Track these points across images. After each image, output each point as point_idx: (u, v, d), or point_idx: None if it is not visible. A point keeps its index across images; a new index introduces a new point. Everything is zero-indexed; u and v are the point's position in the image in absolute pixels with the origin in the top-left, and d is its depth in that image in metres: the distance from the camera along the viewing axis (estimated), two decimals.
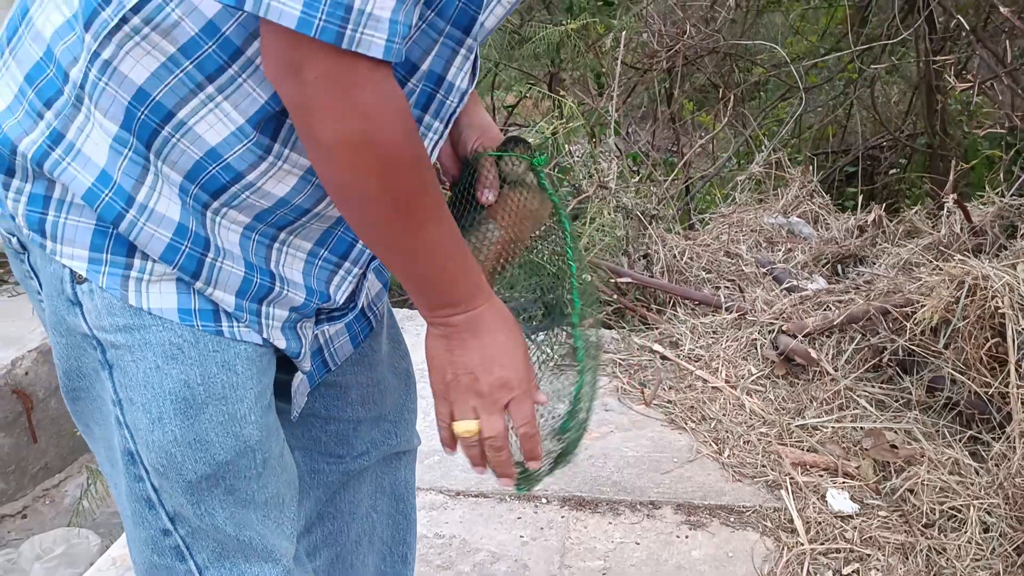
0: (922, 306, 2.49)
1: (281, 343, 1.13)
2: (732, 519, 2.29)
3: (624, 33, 5.16)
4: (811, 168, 4.35)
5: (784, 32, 6.29)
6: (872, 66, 4.71)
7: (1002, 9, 2.48)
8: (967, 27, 3.31)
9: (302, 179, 1.04)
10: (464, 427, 1.09)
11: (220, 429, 1.08)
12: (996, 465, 2.20)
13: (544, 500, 2.37)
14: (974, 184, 4.37)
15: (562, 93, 3.92)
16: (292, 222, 1.09)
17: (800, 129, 6.13)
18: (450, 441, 1.14)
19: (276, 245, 1.10)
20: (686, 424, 2.66)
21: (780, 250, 3.82)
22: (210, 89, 0.96)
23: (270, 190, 1.04)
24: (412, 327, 3.38)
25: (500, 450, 1.11)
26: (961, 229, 3.05)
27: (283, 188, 1.04)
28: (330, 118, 0.90)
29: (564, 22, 4.20)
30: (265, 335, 1.11)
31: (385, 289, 1.38)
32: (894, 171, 6.05)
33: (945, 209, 3.08)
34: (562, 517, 2.31)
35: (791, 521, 2.23)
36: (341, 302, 1.19)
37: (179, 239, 1.02)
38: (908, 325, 2.51)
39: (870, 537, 2.16)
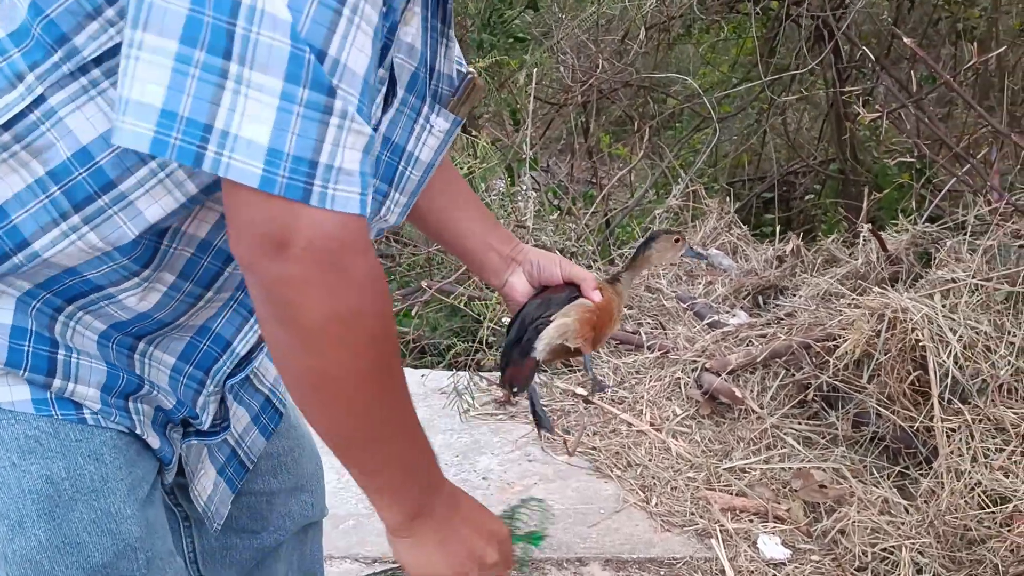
0: (844, 340, 2.46)
1: (154, 442, 1.05)
2: (663, 572, 2.20)
3: (537, 68, 5.13)
4: (728, 199, 4.34)
5: (696, 63, 6.34)
6: (781, 96, 4.74)
7: (906, 40, 2.47)
8: (871, 57, 3.33)
9: (166, 295, 0.98)
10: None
11: (93, 528, 0.98)
12: (925, 502, 2.15)
13: None
14: (886, 209, 4.42)
15: (474, 133, 3.84)
16: (151, 332, 1.01)
17: (716, 158, 6.18)
18: None
19: (136, 356, 1.03)
20: (612, 471, 2.57)
21: (700, 283, 3.78)
22: (75, 219, 0.89)
23: (131, 305, 0.97)
24: None
25: None
26: (877, 258, 3.04)
27: (145, 304, 0.97)
28: (324, 294, 0.80)
29: (473, 60, 4.13)
30: (137, 430, 1.02)
31: None
32: (810, 196, 6.12)
33: (861, 238, 3.07)
34: None
35: (723, 572, 2.15)
36: (207, 423, 1.11)
37: (18, 341, 0.94)
38: (831, 360, 2.47)
39: None
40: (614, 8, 5.10)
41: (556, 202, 4.82)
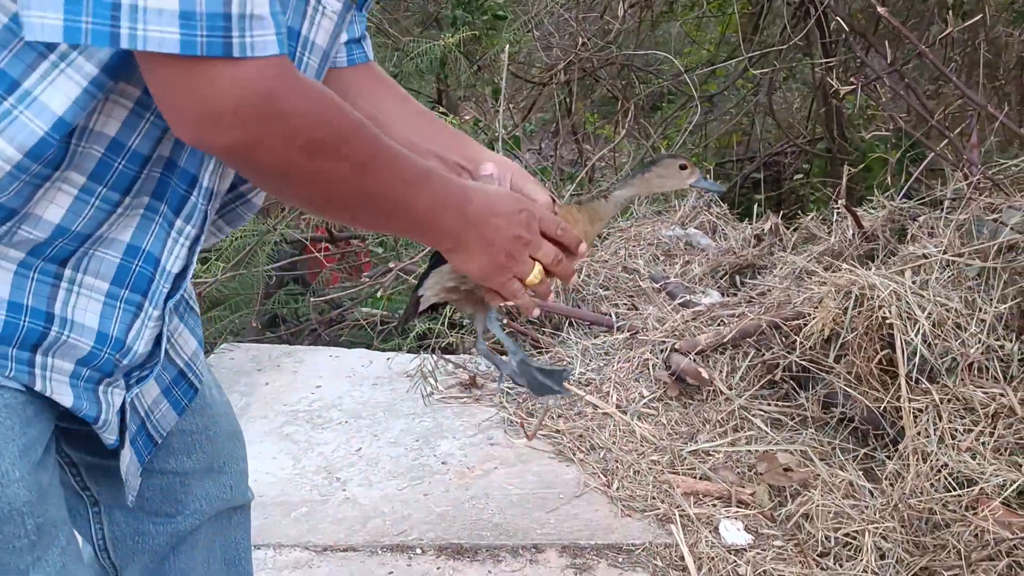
0: (812, 319, 2.38)
1: (65, 399, 0.98)
2: (621, 559, 2.13)
3: (517, 47, 5.03)
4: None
5: (682, 42, 6.24)
6: (763, 72, 4.64)
7: (880, 9, 2.38)
8: (846, 29, 3.24)
9: (79, 200, 0.92)
10: (535, 275, 1.13)
11: None
12: (891, 485, 2.08)
13: (419, 551, 2.18)
14: (873, 187, 4.33)
15: (443, 111, 3.75)
16: (74, 250, 0.95)
17: (705, 137, 6.09)
18: (528, 292, 1.15)
19: (64, 286, 0.96)
20: (574, 455, 2.50)
21: (678, 263, 3.70)
22: None
23: (45, 216, 0.91)
24: (290, 363, 3.17)
25: (560, 262, 1.14)
26: (853, 235, 2.96)
27: (58, 212, 0.92)
28: (276, 144, 0.85)
29: (445, 37, 4.04)
30: (39, 386, 0.95)
31: (200, 347, 1.23)
32: (799, 176, 6.03)
33: (835, 215, 2.99)
34: (438, 568, 2.12)
35: (682, 558, 2.08)
36: (141, 351, 1.03)
37: None
38: (798, 340, 2.39)
39: (764, 571, 2.01)
40: None
41: (543, 181, 4.73)
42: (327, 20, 1.01)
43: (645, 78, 5.89)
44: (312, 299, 3.75)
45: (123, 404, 1.06)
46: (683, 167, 1.28)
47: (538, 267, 1.13)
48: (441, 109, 4.03)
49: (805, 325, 2.43)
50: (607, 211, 1.27)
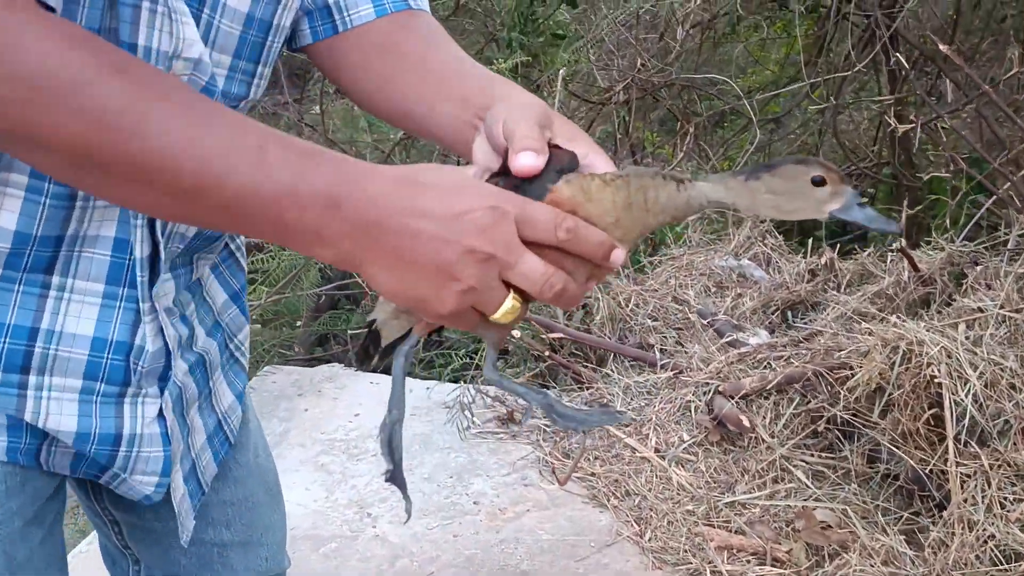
0: (858, 370, 2.30)
1: (66, 422, 0.93)
2: None
3: (575, 67, 4.99)
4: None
5: (744, 61, 6.13)
6: (825, 103, 4.53)
7: (942, 48, 2.29)
8: (906, 65, 3.13)
9: (28, 201, 0.87)
10: (504, 311, 0.78)
11: None
12: (933, 553, 1.99)
13: None
14: (943, 213, 4.18)
15: None
16: (51, 257, 0.90)
17: (769, 158, 5.97)
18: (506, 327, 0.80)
19: (53, 293, 0.91)
20: (608, 501, 2.45)
21: (729, 296, 3.62)
22: None
23: (3, 225, 0.86)
24: (331, 389, 3.18)
25: (557, 287, 0.78)
26: (908, 278, 2.86)
27: (11, 218, 0.86)
28: None
29: (499, 60, 4.02)
30: (30, 409, 0.91)
31: (239, 401, 1.21)
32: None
33: (889, 256, 2.89)
34: None
35: None
36: (152, 350, 0.98)
37: None
38: (843, 392, 2.31)
39: None
40: (656, 6, 4.94)
41: None
42: None
43: (706, 97, 5.81)
44: (357, 320, 3.76)
45: (167, 426, 1.02)
46: (818, 182, 0.81)
47: (512, 298, 0.79)
48: None
49: (851, 376, 2.34)
50: (675, 203, 0.82)
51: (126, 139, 0.72)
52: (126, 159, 0.72)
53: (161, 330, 0.99)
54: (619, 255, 0.81)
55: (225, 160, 0.73)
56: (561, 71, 4.07)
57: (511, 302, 0.78)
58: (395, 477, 0.92)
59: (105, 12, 0.82)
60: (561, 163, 0.83)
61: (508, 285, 0.78)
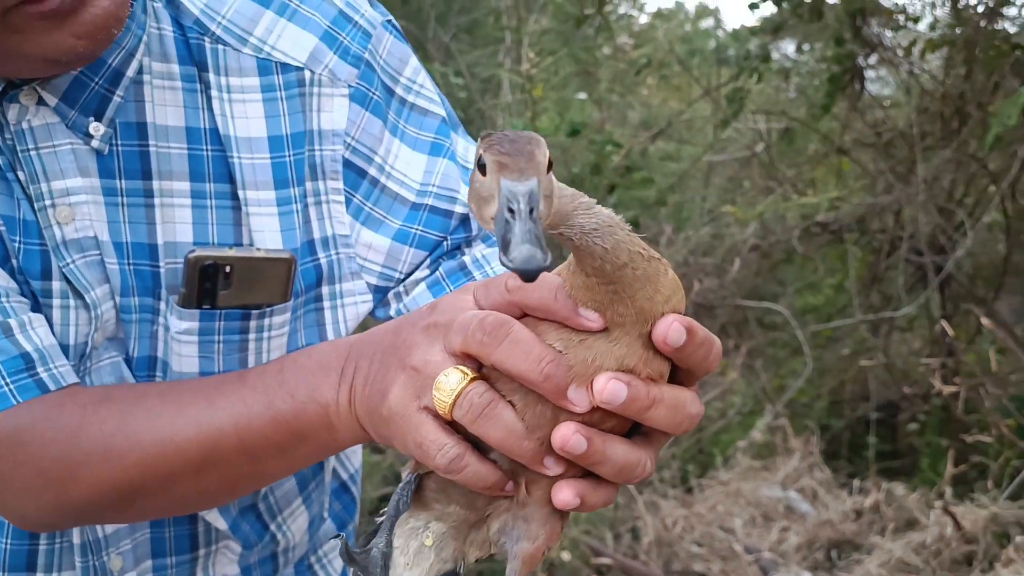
0: None
1: None
2: None
3: None
4: (813, 438, 4.27)
5: (800, 283, 6.35)
6: (883, 333, 4.67)
7: (984, 321, 2.46)
8: (950, 331, 3.28)
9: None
10: (448, 392, 0.74)
11: None
12: None
13: None
14: (987, 454, 4.22)
15: None
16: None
17: (820, 376, 6.05)
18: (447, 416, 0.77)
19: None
20: None
21: (775, 528, 3.69)
22: None
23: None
24: None
25: (502, 337, 0.73)
26: (951, 533, 2.93)
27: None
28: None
29: None
30: None
31: None
32: (914, 425, 5.91)
33: (932, 512, 2.97)
34: None
35: None
36: None
37: None
38: None
39: None
40: (715, 239, 5.20)
41: None
42: (181, 344, 0.98)
43: (760, 315, 5.99)
44: None
45: None
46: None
47: (455, 372, 0.73)
48: None
49: None
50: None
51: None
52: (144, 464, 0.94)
53: None
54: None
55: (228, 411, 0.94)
56: None
57: (457, 377, 0.75)
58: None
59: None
60: None
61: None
